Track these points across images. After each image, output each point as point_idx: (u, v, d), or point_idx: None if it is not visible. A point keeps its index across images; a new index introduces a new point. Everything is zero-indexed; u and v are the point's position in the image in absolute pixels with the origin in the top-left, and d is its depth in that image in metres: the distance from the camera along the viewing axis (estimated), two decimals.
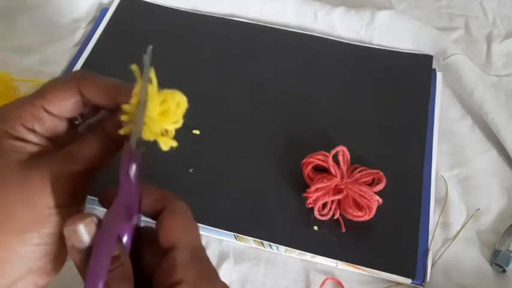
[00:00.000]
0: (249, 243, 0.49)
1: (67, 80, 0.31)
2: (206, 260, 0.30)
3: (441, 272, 0.47)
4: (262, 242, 0.48)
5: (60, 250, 0.31)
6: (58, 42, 0.64)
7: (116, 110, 0.31)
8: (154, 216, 0.31)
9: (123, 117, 0.30)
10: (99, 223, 0.28)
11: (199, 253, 0.30)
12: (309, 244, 0.47)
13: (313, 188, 0.47)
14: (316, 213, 0.48)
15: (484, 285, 0.47)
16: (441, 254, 0.48)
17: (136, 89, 0.30)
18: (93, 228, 0.28)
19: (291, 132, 0.54)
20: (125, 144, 0.30)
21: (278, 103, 0.57)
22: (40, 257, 0.30)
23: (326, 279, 0.47)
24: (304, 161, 0.50)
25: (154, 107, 0.30)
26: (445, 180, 0.52)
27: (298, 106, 0.57)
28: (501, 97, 0.58)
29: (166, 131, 0.31)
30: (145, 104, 0.29)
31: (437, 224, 0.50)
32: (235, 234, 0.48)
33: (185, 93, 0.60)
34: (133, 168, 0.29)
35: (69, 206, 0.30)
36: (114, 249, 0.28)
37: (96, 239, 0.27)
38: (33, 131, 0.30)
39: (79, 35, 0.65)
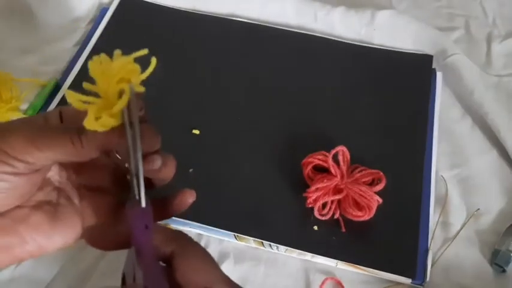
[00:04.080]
0: (249, 243, 0.49)
1: None
2: None
3: (441, 271, 0.47)
4: (262, 242, 0.48)
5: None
6: (58, 42, 0.64)
7: None
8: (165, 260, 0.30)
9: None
10: None
11: None
12: (309, 244, 0.47)
13: (313, 188, 0.47)
14: (316, 213, 0.48)
15: (484, 285, 0.47)
16: (441, 254, 0.48)
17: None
18: None
19: (291, 132, 0.54)
20: (128, 203, 0.29)
21: (278, 103, 0.57)
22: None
23: (326, 279, 0.47)
24: (304, 161, 0.50)
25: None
26: (445, 180, 0.52)
27: (298, 106, 0.57)
28: (501, 97, 0.58)
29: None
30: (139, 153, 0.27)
31: (437, 223, 0.50)
32: (235, 234, 0.48)
33: (185, 93, 0.60)
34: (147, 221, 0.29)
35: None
36: None
37: None
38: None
39: (79, 35, 0.65)
